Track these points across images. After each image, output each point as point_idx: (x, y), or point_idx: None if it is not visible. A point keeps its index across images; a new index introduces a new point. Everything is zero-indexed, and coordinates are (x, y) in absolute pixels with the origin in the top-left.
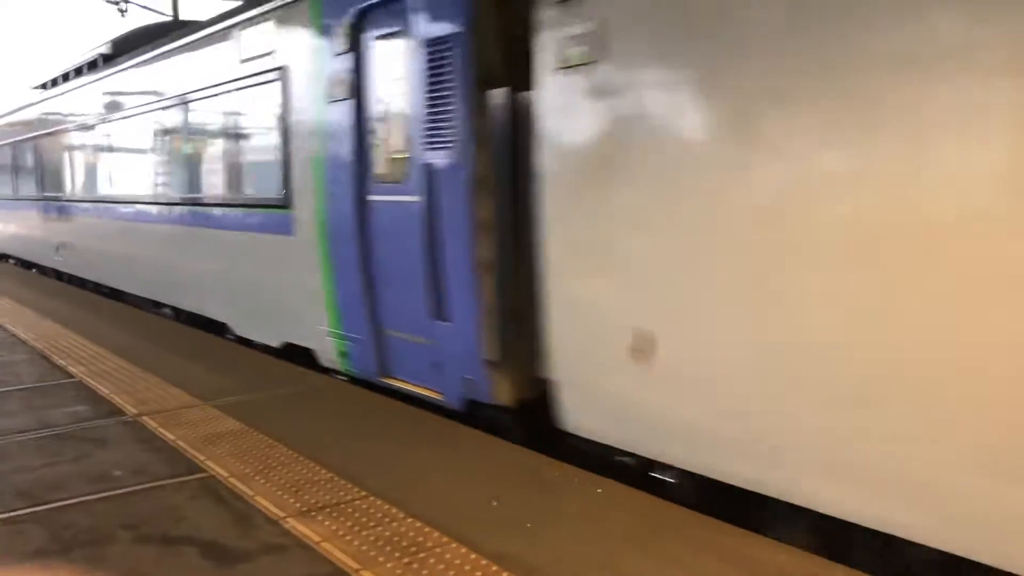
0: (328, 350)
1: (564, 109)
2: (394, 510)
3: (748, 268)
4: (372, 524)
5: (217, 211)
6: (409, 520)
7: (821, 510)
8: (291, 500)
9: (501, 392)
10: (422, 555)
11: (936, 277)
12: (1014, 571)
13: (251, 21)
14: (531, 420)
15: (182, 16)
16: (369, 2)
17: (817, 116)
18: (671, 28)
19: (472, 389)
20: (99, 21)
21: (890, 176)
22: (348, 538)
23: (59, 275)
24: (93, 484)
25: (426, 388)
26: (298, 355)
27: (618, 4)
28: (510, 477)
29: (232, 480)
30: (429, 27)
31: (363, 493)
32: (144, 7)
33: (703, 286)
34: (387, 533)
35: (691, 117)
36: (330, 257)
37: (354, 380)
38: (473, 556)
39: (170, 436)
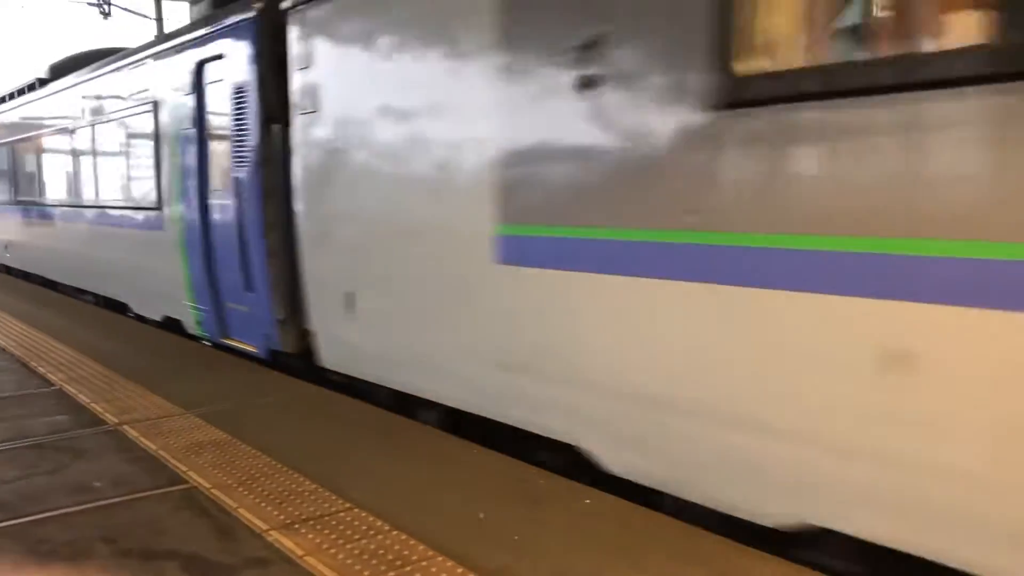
0: (190, 320)
1: (303, 140)
2: (379, 522)
3: (384, 244)
4: (357, 537)
5: (116, 212)
6: (394, 533)
7: (438, 400)
8: (275, 512)
9: (287, 343)
10: (408, 569)
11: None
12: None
13: (136, 63)
14: (307, 362)
15: (167, 17)
16: (203, 57)
17: (403, 163)
18: (348, 94)
19: (270, 341)
20: (84, 22)
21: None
22: (332, 551)
23: (8, 270)
24: (72, 496)
25: (246, 343)
26: (174, 327)
27: (320, 73)
28: (497, 489)
29: (215, 491)
30: (236, 78)
31: (347, 505)
32: (126, 9)
33: (375, 259)
34: (372, 546)
35: (356, 151)
36: (186, 247)
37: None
38: (460, 570)
39: (152, 446)
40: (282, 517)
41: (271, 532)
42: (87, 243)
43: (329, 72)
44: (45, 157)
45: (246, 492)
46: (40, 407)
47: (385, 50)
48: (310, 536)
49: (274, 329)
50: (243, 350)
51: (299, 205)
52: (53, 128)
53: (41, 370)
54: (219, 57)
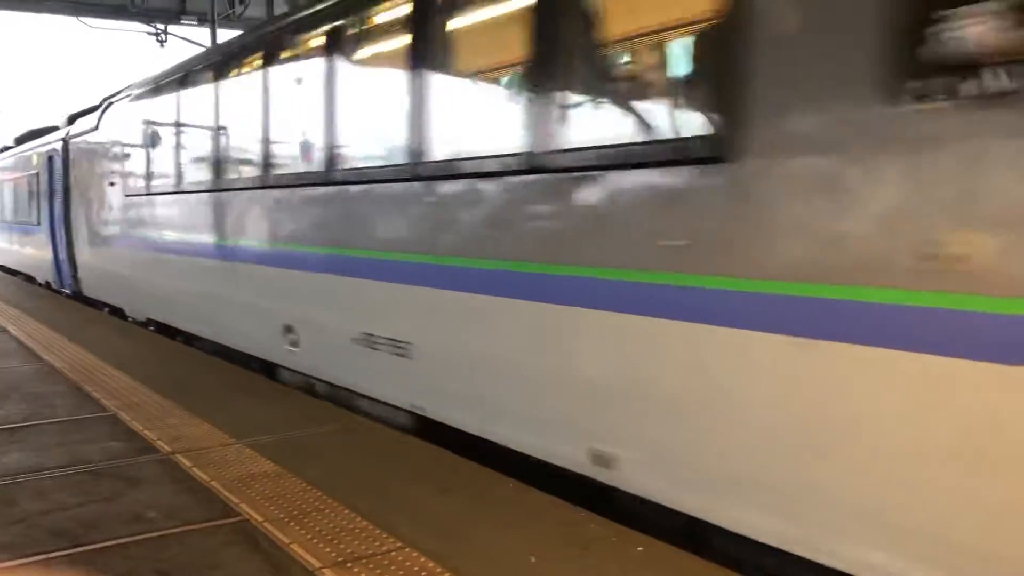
0: (54, 281)
1: (74, 199)
2: (431, 564)
3: (87, 239)
4: None
5: (27, 227)
6: (446, 575)
7: (106, 302)
8: (326, 549)
9: (76, 286)
10: None
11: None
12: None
13: (35, 148)
14: (82, 295)
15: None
16: (51, 153)
17: (90, 210)
18: (78, 181)
19: (72, 287)
20: (141, 50)
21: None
22: None
23: None
24: (128, 525)
25: (66, 290)
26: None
27: (73, 172)
28: (549, 531)
29: (266, 525)
30: (58, 167)
31: (398, 544)
32: (183, 38)
33: (84, 245)
34: None
35: (81, 206)
36: (48, 243)
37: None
38: None
39: (203, 476)
40: (334, 555)
41: (323, 570)
42: (16, 243)
43: (74, 172)
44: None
45: (297, 527)
46: (96, 432)
47: (84, 165)
48: None
49: (72, 280)
50: (66, 295)
51: (74, 225)
52: (2, 178)
53: (95, 395)
54: (54, 155)
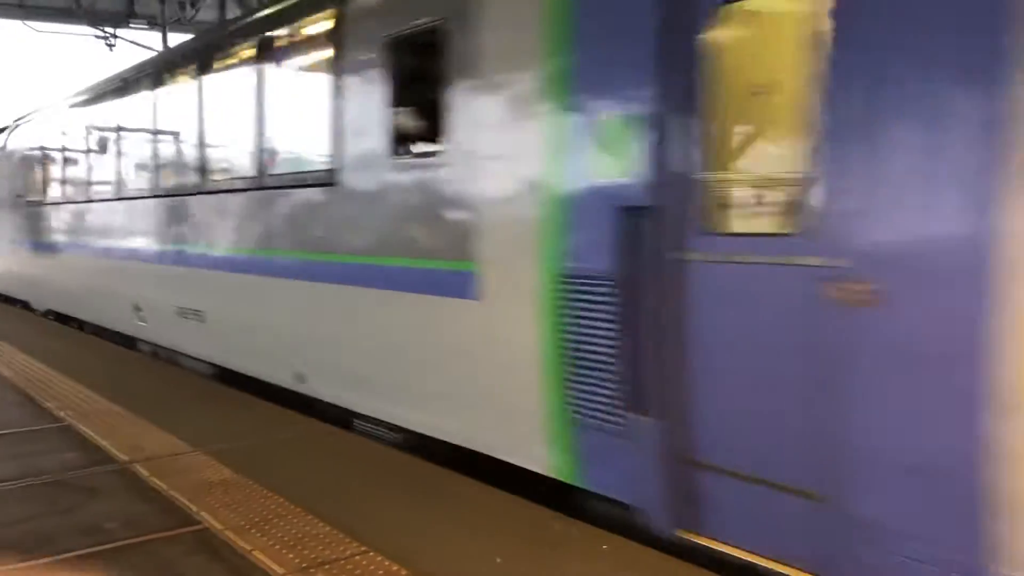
0: None
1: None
2: (395, 567)
3: (6, 242)
4: None
5: None
6: None
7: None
8: (290, 555)
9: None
10: None
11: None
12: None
13: None
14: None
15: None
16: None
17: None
18: (13, 182)
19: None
20: (91, 54)
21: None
22: None
23: None
24: (85, 537)
25: None
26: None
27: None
28: (514, 531)
29: (228, 533)
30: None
31: (363, 548)
32: (132, 42)
33: (12, 247)
34: None
35: (9, 203)
36: None
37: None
38: None
39: (163, 485)
40: (298, 560)
41: None
42: None
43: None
44: None
45: (259, 534)
46: (50, 444)
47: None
48: None
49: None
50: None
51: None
52: None
53: (48, 405)
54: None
